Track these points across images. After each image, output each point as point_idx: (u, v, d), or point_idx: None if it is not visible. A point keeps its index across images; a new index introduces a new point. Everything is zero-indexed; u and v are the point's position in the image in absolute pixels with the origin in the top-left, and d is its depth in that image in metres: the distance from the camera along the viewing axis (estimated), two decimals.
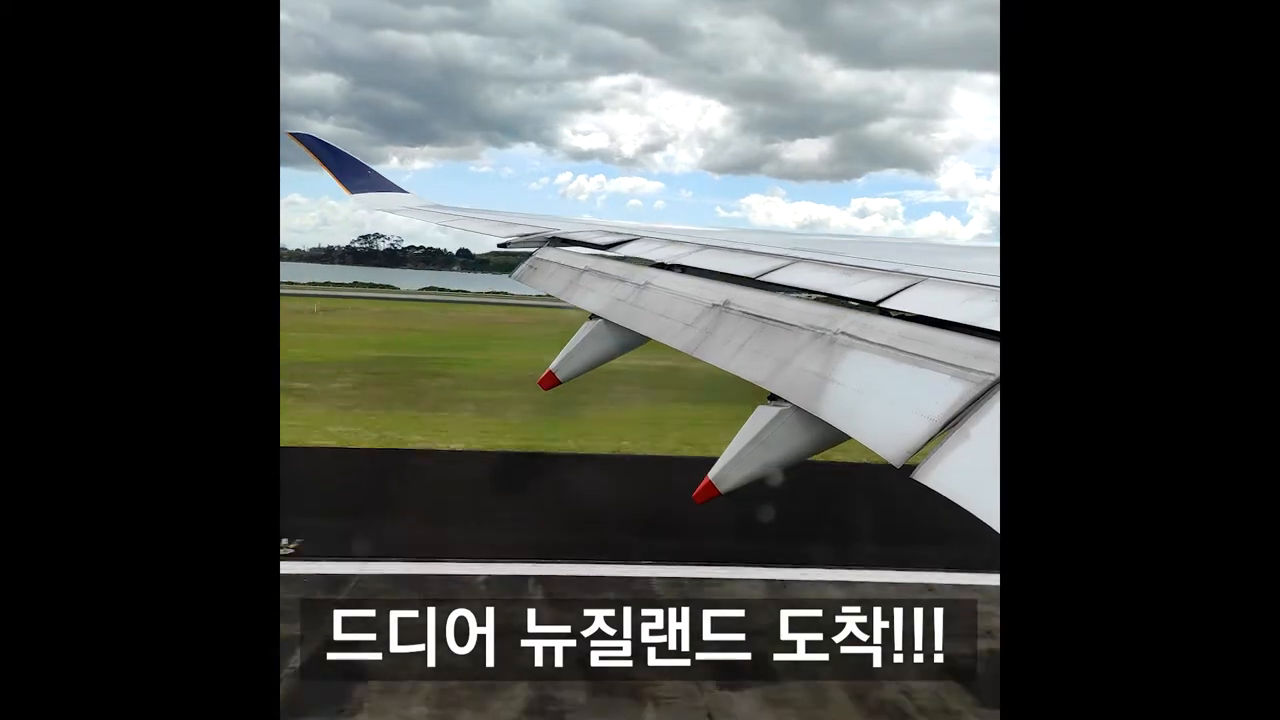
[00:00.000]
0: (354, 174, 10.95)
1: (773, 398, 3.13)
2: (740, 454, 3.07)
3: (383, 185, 10.97)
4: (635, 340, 4.82)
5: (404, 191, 10.98)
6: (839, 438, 2.81)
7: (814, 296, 3.71)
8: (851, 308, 3.34)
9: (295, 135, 11.52)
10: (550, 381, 4.99)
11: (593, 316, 5.02)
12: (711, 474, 3.07)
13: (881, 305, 3.16)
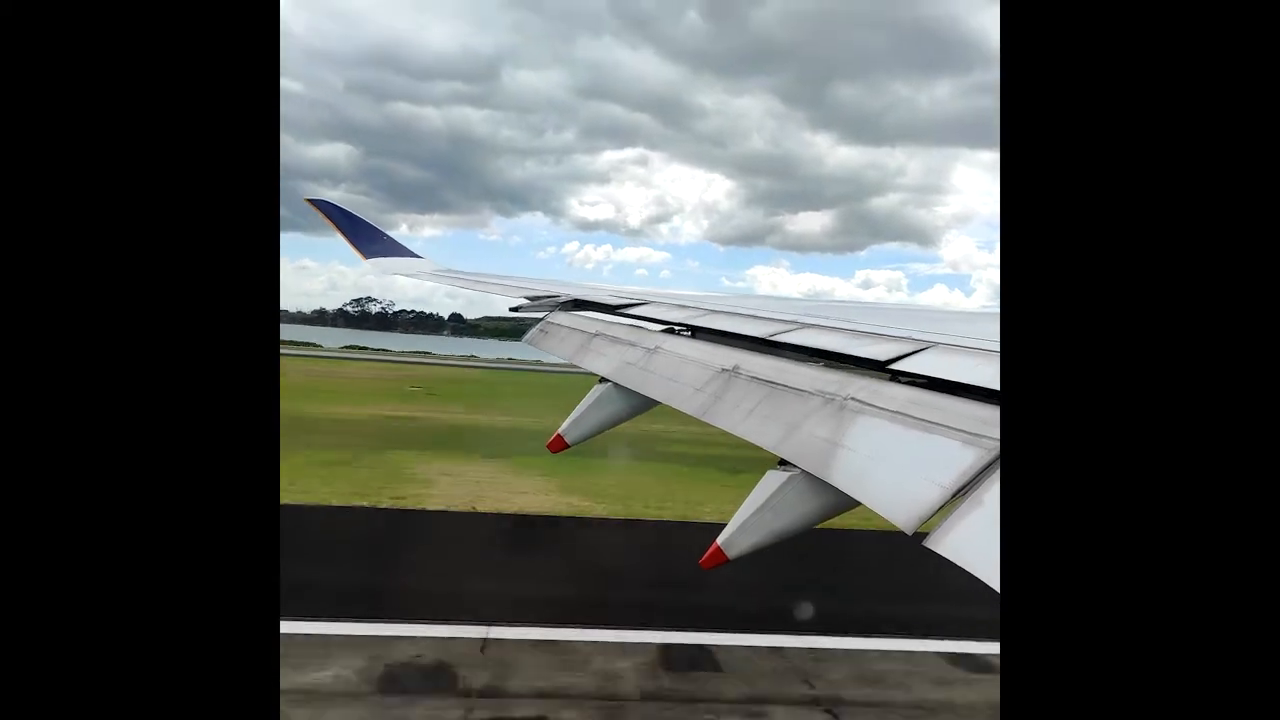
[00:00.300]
0: (369, 239, 11.17)
1: (782, 463, 3.11)
2: (749, 520, 3.03)
3: (397, 250, 11.18)
4: (645, 404, 4.82)
5: (418, 257, 11.17)
6: (849, 504, 2.77)
7: (823, 362, 3.72)
8: (861, 374, 3.34)
9: (312, 201, 11.81)
10: (559, 445, 4.98)
11: (602, 380, 5.04)
12: (720, 539, 3.03)
13: (890, 368, 3.16)
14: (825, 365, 3.83)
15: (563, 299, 6.90)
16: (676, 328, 5.22)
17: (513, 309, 7.32)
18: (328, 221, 11.60)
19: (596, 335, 5.78)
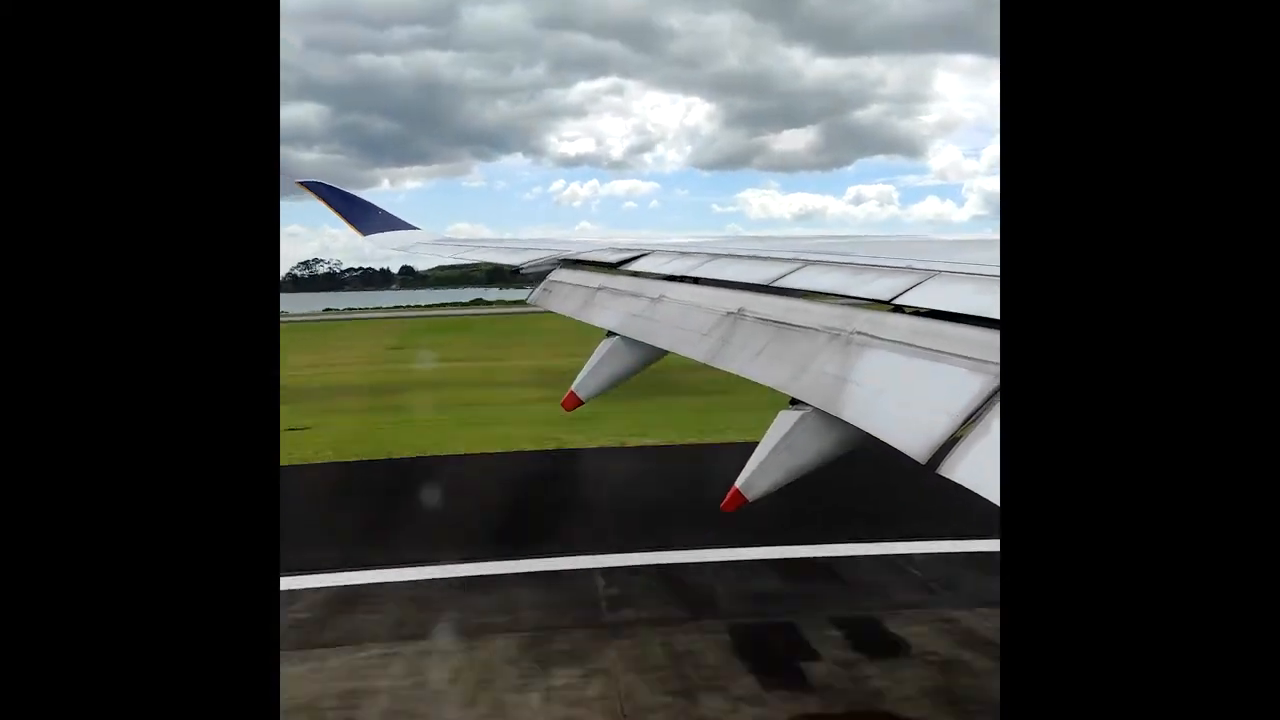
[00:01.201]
0: (364, 216, 11.13)
1: (794, 402, 3.16)
2: (766, 461, 3.09)
3: (394, 224, 11.14)
4: (654, 354, 4.86)
5: (415, 228, 11.13)
6: (862, 438, 2.82)
7: (827, 299, 3.73)
8: (865, 307, 3.36)
9: (304, 183, 11.73)
10: (573, 402, 5.04)
11: (609, 334, 5.07)
12: (739, 482, 3.09)
13: (894, 302, 3.18)
14: (830, 301, 3.84)
15: (563, 256, 6.89)
16: (679, 276, 5.23)
17: (512, 271, 7.32)
18: (322, 203, 11.55)
19: (600, 289, 5.79)
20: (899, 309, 3.14)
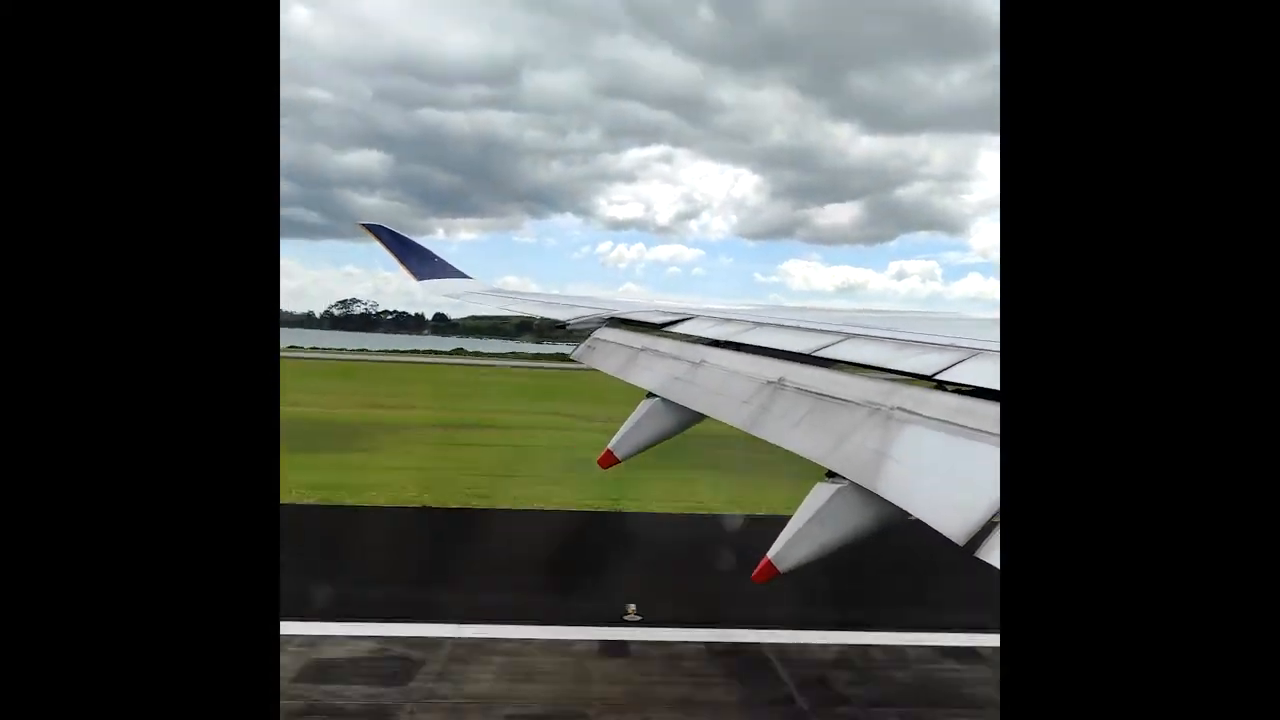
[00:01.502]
0: (420, 261, 11.44)
1: (830, 475, 3.12)
2: (799, 533, 3.04)
3: (448, 272, 11.42)
4: (692, 418, 4.85)
5: (468, 277, 11.40)
6: (899, 515, 2.77)
7: (869, 373, 3.71)
8: (907, 382, 3.33)
9: (366, 226, 12.16)
10: (609, 460, 5.04)
11: (650, 394, 5.09)
12: (771, 553, 3.04)
13: (937, 378, 3.15)
14: (871, 375, 3.82)
15: (609, 315, 6.98)
16: (721, 342, 5.26)
17: (558, 326, 7.43)
18: (381, 245, 11.93)
19: (643, 350, 5.84)
20: (941, 386, 3.11)
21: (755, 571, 3.04)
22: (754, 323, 5.23)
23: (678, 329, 5.90)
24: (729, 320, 5.55)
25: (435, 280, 11.38)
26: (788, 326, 4.95)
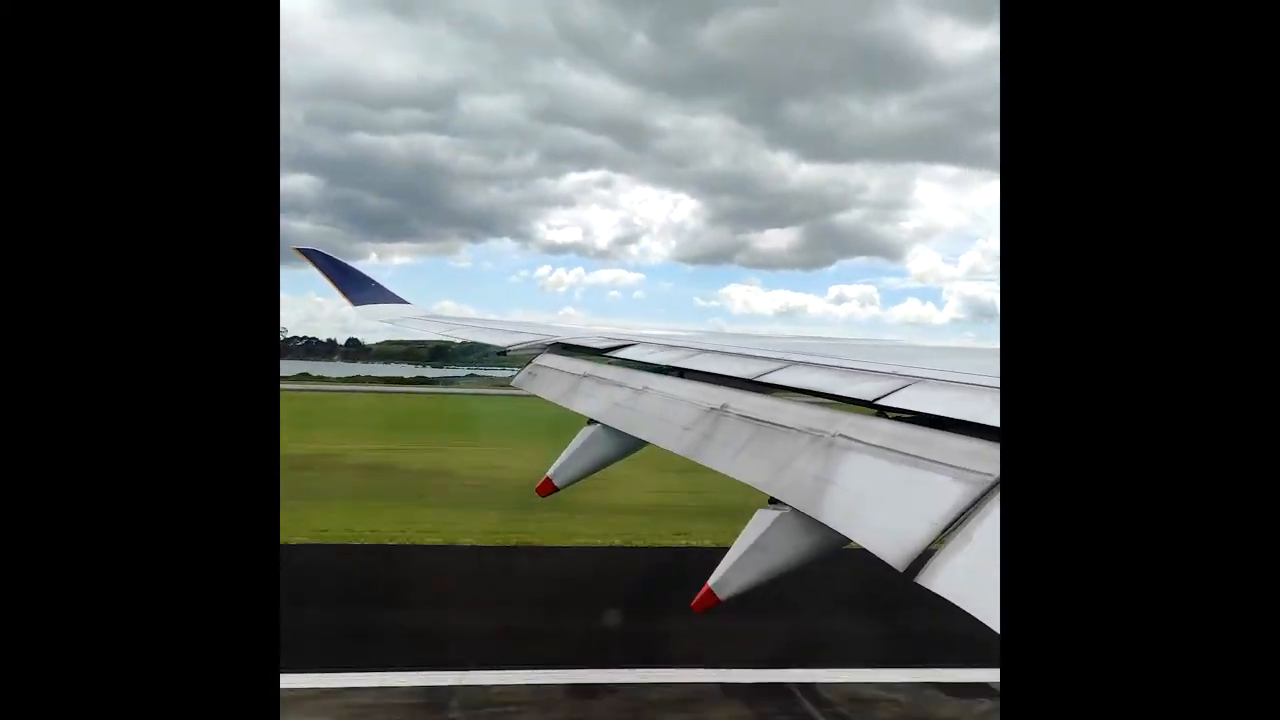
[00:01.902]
0: (357, 287, 11.20)
1: (773, 501, 3.09)
2: (740, 560, 3.00)
3: (385, 297, 11.21)
4: (634, 444, 4.80)
5: (405, 303, 11.19)
6: (840, 542, 2.75)
7: (811, 400, 3.72)
8: (849, 410, 3.34)
9: (301, 250, 11.86)
10: (547, 488, 4.94)
11: (590, 421, 5.02)
12: (711, 581, 2.99)
13: (878, 403, 3.17)
14: (813, 402, 3.83)
15: (550, 341, 6.90)
16: (664, 368, 5.23)
17: (500, 353, 7.32)
18: (317, 269, 11.65)
19: (585, 377, 5.78)
20: (882, 413, 3.13)
21: (695, 600, 2.98)
22: (697, 349, 5.22)
23: (621, 354, 5.86)
24: (672, 346, 5.53)
25: (372, 305, 11.14)
26: (731, 353, 4.95)
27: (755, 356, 4.56)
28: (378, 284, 11.40)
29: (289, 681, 8.55)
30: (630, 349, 5.90)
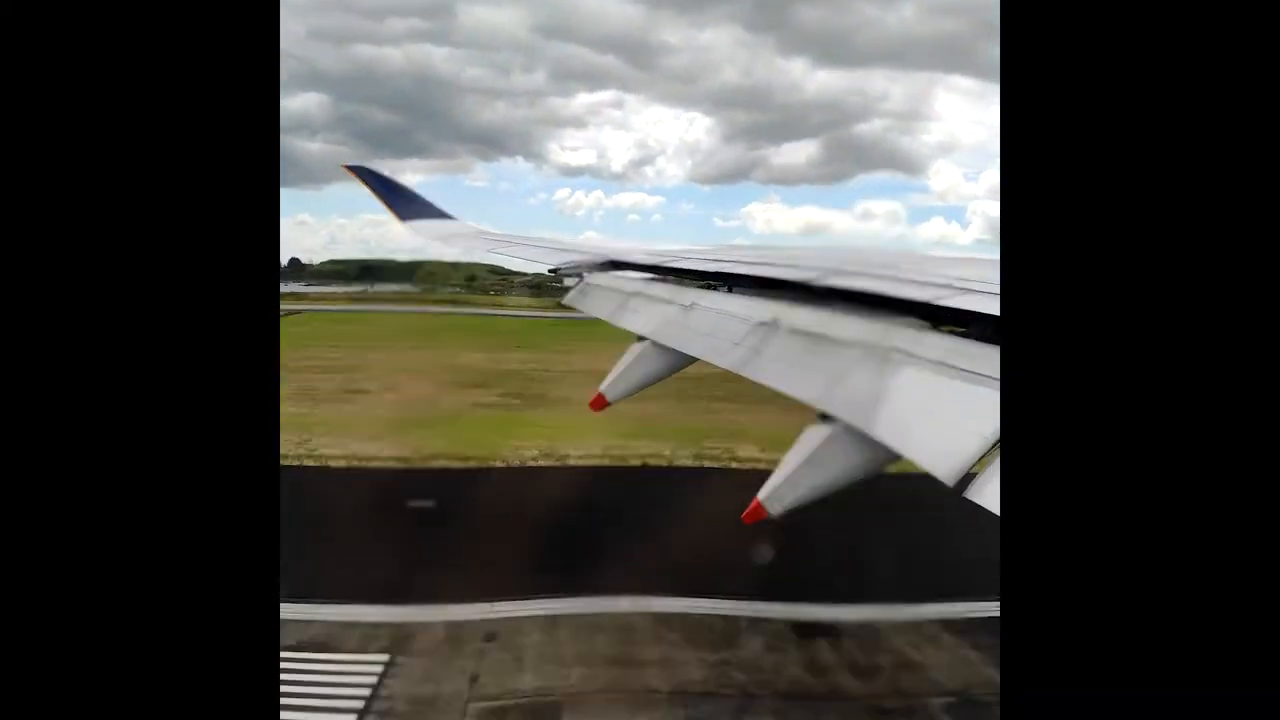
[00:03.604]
0: (405, 202, 11.22)
1: (823, 417, 3.09)
2: (792, 475, 3.02)
3: (432, 213, 11.21)
4: (684, 360, 4.81)
5: (452, 219, 11.20)
6: (891, 457, 2.75)
7: (863, 312, 3.66)
8: (902, 324, 3.28)
9: (349, 167, 11.87)
10: (600, 404, 5.01)
11: (640, 338, 5.03)
12: (761, 495, 3.03)
13: (932, 305, 3.11)
14: (866, 315, 3.76)
15: (601, 260, 6.88)
16: (713, 283, 5.18)
17: (551, 270, 7.33)
18: (366, 187, 11.67)
19: (634, 294, 5.76)
20: (936, 325, 3.07)
21: (745, 513, 3.03)
22: (744, 262, 5.15)
23: (669, 267, 5.82)
24: (718, 260, 5.46)
25: (421, 221, 11.17)
26: (779, 265, 4.88)
27: (805, 267, 4.48)
28: (425, 200, 11.40)
29: None
30: (678, 265, 5.85)
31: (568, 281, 7.03)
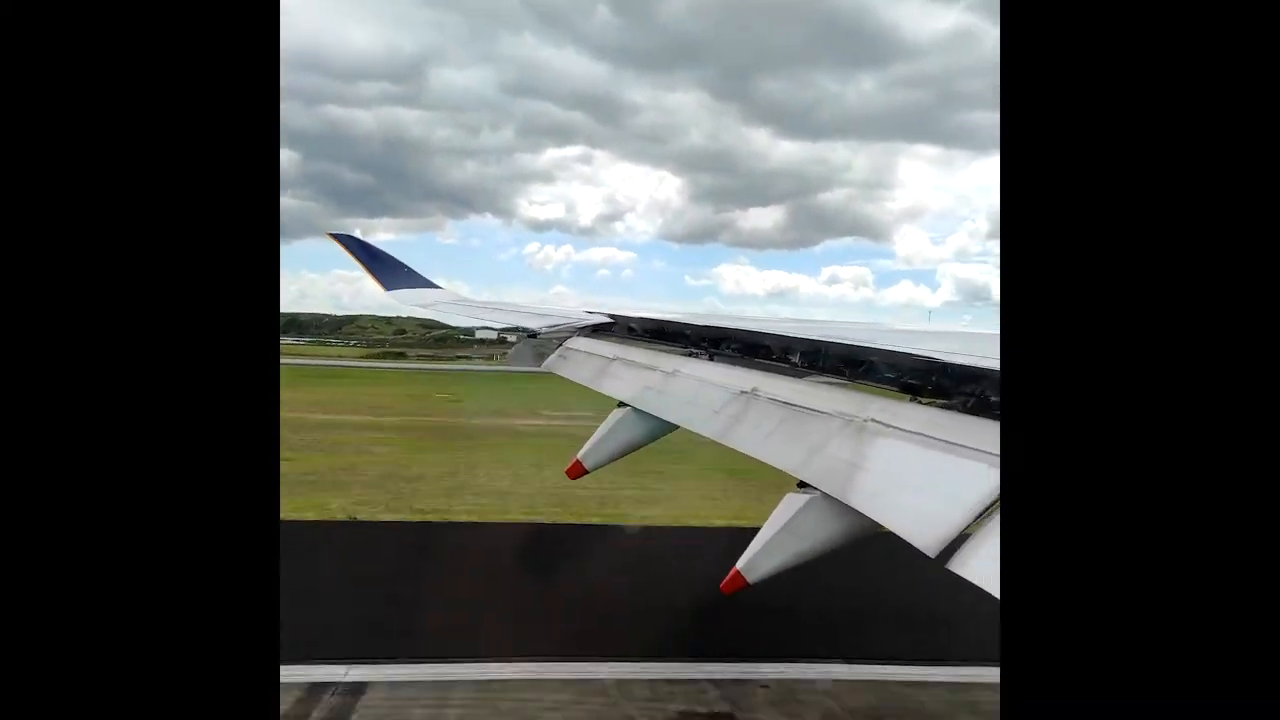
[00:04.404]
0: (390, 272, 11.30)
1: (801, 485, 3.07)
2: (770, 543, 2.99)
3: (417, 281, 11.30)
4: (664, 428, 4.80)
5: (437, 287, 11.28)
6: (871, 527, 2.73)
7: (841, 384, 3.69)
8: (879, 395, 3.31)
9: (335, 236, 11.99)
10: (578, 471, 4.96)
11: (621, 404, 5.02)
12: (740, 564, 2.99)
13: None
14: (844, 385, 3.79)
15: (580, 325, 6.92)
16: (694, 350, 5.22)
17: (531, 335, 7.36)
18: (351, 256, 11.77)
19: (614, 360, 5.78)
20: (915, 397, 3.09)
21: (724, 582, 2.98)
22: (722, 329, 5.19)
23: (650, 338, 5.85)
24: (699, 326, 5.51)
25: (404, 290, 11.23)
26: (759, 331, 4.93)
27: (788, 336, 4.52)
28: (409, 268, 11.49)
29: None
30: (660, 332, 5.89)
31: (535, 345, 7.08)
